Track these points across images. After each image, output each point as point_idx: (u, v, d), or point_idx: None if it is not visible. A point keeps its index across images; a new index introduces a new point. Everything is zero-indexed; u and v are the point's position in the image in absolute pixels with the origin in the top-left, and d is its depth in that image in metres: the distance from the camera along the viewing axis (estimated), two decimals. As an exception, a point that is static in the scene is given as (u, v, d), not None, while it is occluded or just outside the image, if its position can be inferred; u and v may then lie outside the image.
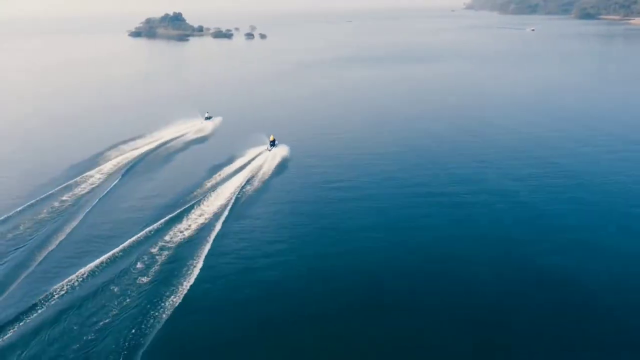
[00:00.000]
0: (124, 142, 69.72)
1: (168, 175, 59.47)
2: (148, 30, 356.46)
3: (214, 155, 64.19)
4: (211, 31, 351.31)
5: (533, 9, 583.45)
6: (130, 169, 60.80)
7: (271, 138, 66.68)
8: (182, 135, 75.83)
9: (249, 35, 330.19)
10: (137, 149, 67.79)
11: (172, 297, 33.83)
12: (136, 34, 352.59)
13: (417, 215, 47.33)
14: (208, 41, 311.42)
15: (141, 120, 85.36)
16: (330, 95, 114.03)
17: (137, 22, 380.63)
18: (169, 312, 32.31)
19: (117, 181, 56.17)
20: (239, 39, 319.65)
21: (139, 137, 72.09)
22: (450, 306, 33.36)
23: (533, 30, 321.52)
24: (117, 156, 64.39)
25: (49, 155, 68.47)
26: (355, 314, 32.74)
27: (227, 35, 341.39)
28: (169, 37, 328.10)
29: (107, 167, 60.69)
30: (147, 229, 42.92)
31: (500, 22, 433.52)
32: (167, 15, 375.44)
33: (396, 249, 40.89)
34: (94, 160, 62.62)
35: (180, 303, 33.21)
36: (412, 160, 64.12)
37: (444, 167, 60.55)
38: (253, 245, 41.65)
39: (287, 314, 32.80)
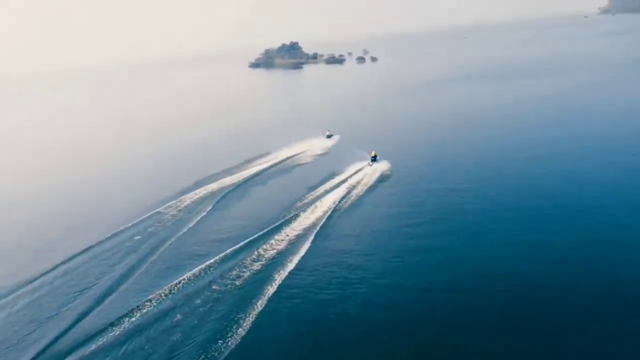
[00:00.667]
0: (249, 160, 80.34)
1: (272, 192, 66.09)
2: (266, 60, 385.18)
3: (319, 172, 70.03)
4: (324, 57, 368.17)
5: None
6: (244, 184, 69.90)
7: (372, 154, 71.11)
8: (303, 152, 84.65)
9: (360, 59, 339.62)
10: (259, 165, 78.01)
11: (256, 306, 37.75)
12: (255, 64, 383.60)
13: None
14: (321, 67, 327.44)
15: (266, 141, 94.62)
16: (441, 115, 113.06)
17: (257, 54, 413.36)
18: (253, 319, 36.27)
19: (228, 193, 65.68)
20: (350, 64, 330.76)
21: (264, 155, 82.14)
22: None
23: None
24: (239, 171, 74.69)
25: (182, 170, 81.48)
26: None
27: (339, 60, 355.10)
28: (285, 66, 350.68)
29: (227, 181, 70.71)
30: (245, 241, 48.29)
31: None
32: (284, 45, 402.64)
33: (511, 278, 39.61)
34: (217, 176, 72.85)
35: (261, 313, 36.96)
36: (522, 188, 59.04)
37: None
38: (343, 261, 44.20)
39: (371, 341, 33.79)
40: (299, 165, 78.74)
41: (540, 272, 39.47)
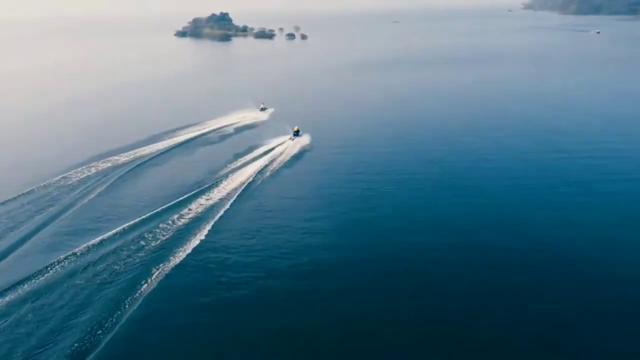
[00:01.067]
0: (182, 127, 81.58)
1: (196, 160, 67.51)
2: (194, 30, 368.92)
3: (244, 143, 73.15)
4: (255, 31, 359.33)
5: (597, 9, 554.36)
6: (169, 151, 70.98)
7: (295, 128, 74.98)
8: (234, 124, 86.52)
9: (290, 36, 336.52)
10: (189, 133, 79.24)
11: (163, 267, 39.39)
12: (182, 33, 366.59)
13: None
14: (250, 41, 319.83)
15: (200, 111, 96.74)
16: (366, 96, 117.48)
17: (185, 22, 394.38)
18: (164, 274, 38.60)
19: (149, 160, 66.68)
20: (280, 40, 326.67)
21: (196, 124, 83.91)
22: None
23: (598, 32, 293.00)
24: (169, 138, 75.61)
25: (111, 136, 79.70)
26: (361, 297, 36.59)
27: (269, 35, 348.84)
28: (213, 37, 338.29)
29: (153, 148, 71.17)
30: (160, 208, 49.89)
31: (561, 24, 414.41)
32: (213, 15, 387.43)
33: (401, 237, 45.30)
34: (141, 143, 72.76)
35: (168, 275, 38.74)
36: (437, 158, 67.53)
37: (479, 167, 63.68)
38: (255, 229, 46.94)
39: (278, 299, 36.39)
40: (227, 135, 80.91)
41: (442, 238, 44.99)
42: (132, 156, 67.02)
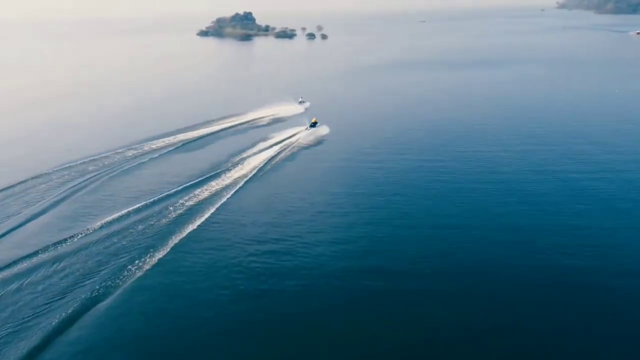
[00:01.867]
0: (225, 117, 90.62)
1: (220, 147, 74.07)
2: (217, 29, 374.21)
3: (266, 133, 79.93)
4: (276, 31, 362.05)
5: (634, 8, 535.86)
6: (204, 138, 79.31)
7: (313, 120, 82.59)
8: (271, 115, 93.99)
9: (311, 36, 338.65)
10: (229, 122, 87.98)
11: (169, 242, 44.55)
12: (204, 33, 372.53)
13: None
14: (271, 41, 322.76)
15: (243, 102, 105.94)
16: (394, 96, 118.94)
17: (208, 22, 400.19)
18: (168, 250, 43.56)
19: (176, 147, 74.32)
20: (300, 40, 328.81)
21: (237, 114, 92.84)
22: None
23: (639, 33, 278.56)
24: (207, 126, 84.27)
25: (153, 123, 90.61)
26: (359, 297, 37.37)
27: (290, 35, 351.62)
28: (235, 37, 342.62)
29: (199, 132, 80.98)
30: (183, 186, 57.56)
31: (597, 23, 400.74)
32: (237, 14, 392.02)
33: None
34: (189, 128, 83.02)
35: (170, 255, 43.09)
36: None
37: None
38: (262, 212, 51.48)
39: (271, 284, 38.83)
40: (260, 126, 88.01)
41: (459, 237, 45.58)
42: (165, 142, 75.99)
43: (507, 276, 39.00)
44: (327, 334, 33.00)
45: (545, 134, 78.92)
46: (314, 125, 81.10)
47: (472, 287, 37.61)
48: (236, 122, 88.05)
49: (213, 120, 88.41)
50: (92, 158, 68.13)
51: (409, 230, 46.85)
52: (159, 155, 70.78)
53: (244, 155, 68.26)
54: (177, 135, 78.88)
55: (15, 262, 41.03)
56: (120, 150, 71.50)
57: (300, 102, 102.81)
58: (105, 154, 69.65)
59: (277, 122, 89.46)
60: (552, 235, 45.22)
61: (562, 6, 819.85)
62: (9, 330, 33.54)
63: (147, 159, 68.73)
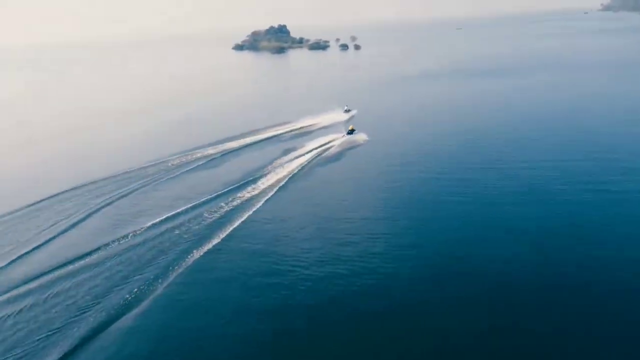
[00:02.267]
0: (271, 126, 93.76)
1: (261, 154, 76.94)
2: (252, 43, 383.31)
3: (307, 139, 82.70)
4: (309, 42, 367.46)
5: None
6: (248, 146, 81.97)
7: (350, 127, 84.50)
8: (316, 124, 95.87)
9: (344, 47, 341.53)
10: (275, 131, 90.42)
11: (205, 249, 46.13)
12: (239, 47, 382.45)
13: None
14: (304, 53, 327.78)
15: (291, 112, 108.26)
16: (434, 106, 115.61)
17: (243, 36, 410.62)
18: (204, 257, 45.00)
19: (222, 155, 77.98)
20: (333, 51, 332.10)
21: (285, 123, 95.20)
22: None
23: None
24: (252, 135, 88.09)
25: (203, 134, 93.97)
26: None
27: (323, 46, 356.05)
28: (270, 50, 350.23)
29: (246, 140, 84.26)
30: (232, 186, 61.00)
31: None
32: (272, 27, 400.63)
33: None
34: (236, 137, 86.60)
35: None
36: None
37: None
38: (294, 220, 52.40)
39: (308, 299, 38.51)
40: (305, 133, 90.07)
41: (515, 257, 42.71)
42: (217, 149, 79.99)
43: (526, 280, 38.29)
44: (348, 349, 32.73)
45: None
46: (351, 132, 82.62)
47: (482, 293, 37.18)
48: (280, 131, 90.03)
49: (257, 130, 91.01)
50: (140, 167, 72.53)
51: (426, 247, 44.99)
52: (206, 161, 74.43)
53: (277, 163, 69.84)
54: (217, 146, 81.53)
55: (38, 276, 42.68)
56: (163, 160, 74.99)
57: (346, 110, 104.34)
58: (145, 166, 73.06)
59: (319, 130, 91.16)
60: (554, 237, 44.66)
61: (606, 8, 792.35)
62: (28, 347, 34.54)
63: (194, 165, 72.82)
